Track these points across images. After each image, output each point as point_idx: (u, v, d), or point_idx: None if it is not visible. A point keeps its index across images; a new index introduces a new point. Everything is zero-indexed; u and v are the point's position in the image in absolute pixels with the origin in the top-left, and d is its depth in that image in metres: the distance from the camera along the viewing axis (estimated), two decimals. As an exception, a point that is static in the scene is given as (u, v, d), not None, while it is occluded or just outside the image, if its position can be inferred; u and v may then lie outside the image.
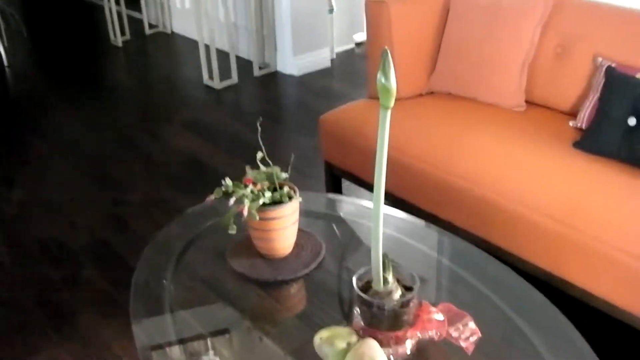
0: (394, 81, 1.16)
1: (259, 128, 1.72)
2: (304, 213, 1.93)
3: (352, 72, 5.05)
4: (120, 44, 5.93)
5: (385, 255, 1.36)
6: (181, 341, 1.53)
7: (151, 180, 3.52)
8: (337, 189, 3.07)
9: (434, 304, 1.47)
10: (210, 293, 1.73)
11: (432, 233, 1.93)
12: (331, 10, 5.05)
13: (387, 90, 1.16)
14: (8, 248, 2.97)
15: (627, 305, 2.02)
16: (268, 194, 1.68)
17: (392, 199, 2.69)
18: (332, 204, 2.20)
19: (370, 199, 2.07)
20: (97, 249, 2.93)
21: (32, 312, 2.54)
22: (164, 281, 1.74)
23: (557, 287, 2.18)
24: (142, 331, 1.56)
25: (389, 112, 1.19)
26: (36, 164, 3.77)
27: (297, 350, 1.49)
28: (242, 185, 1.70)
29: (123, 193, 3.40)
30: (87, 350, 2.34)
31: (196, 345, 1.53)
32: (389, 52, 1.14)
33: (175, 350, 1.51)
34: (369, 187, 2.79)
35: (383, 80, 1.15)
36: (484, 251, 1.81)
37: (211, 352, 1.50)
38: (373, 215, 1.29)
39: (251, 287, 1.72)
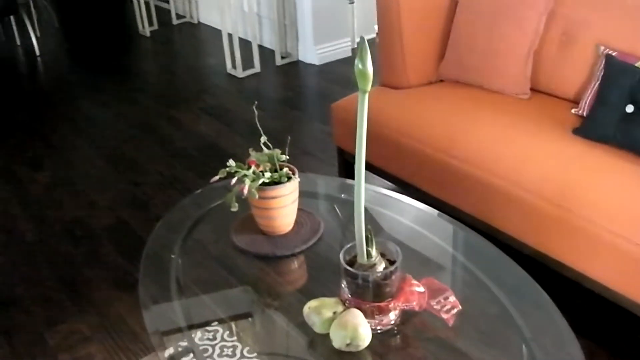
0: (371, 67, 1.25)
1: (256, 112, 1.82)
2: (309, 194, 2.02)
3: (372, 61, 5.11)
4: (148, 34, 6.07)
5: (368, 230, 1.45)
6: (186, 311, 1.64)
7: (170, 163, 3.65)
8: (350, 174, 3.16)
9: (418, 278, 1.55)
10: (215, 266, 1.83)
11: (428, 213, 2.01)
12: (352, 1, 5.12)
13: (364, 75, 1.25)
14: (33, 226, 3.12)
15: (618, 286, 2.08)
16: (268, 175, 1.78)
17: (398, 183, 2.78)
18: (338, 186, 2.29)
19: (380, 185, 2.16)
20: (116, 228, 3.07)
21: (53, 287, 2.69)
22: (172, 255, 1.85)
23: (552, 268, 2.25)
24: (149, 297, 1.67)
25: (366, 95, 1.28)
26: (62, 148, 3.92)
27: (293, 324, 1.58)
28: (245, 166, 1.80)
29: (143, 175, 3.53)
30: (104, 323, 2.46)
31: (201, 315, 1.63)
32: (365, 40, 1.23)
33: (180, 314, 1.61)
34: (379, 172, 2.88)
35: (360, 66, 1.24)
36: (482, 232, 1.89)
37: (213, 323, 1.59)
38: (355, 191, 1.39)
39: (254, 262, 1.82)
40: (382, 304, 1.48)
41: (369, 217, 1.97)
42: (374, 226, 1.92)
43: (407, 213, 2.03)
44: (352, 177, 3.10)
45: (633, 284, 2.04)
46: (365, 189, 2.17)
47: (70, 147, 3.94)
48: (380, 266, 1.47)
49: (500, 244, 1.84)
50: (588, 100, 2.51)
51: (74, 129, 4.19)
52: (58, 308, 2.56)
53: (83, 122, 4.29)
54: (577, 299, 2.42)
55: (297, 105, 4.40)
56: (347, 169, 3.14)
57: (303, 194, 1.89)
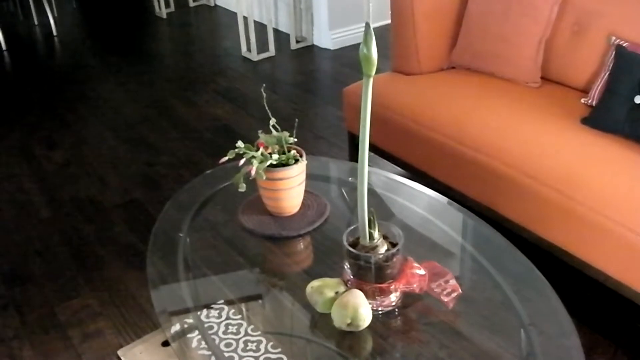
0: (375, 52, 1.27)
1: (264, 94, 1.84)
2: (317, 177, 2.05)
3: (387, 47, 5.12)
4: (164, 16, 6.10)
5: (371, 213, 1.48)
6: (193, 289, 1.67)
7: (184, 144, 3.69)
8: (359, 159, 3.18)
9: (420, 262, 1.58)
10: (223, 246, 1.87)
11: (434, 198, 2.03)
12: (368, -14, 5.13)
13: (368, 60, 1.28)
14: (47, 203, 3.18)
15: (621, 276, 2.10)
16: (275, 156, 1.81)
17: (407, 168, 2.80)
18: (346, 170, 2.32)
19: (391, 170, 2.18)
20: (128, 207, 3.12)
21: (66, 263, 2.74)
22: (181, 234, 1.88)
23: (557, 257, 2.27)
24: (157, 274, 1.70)
25: (371, 80, 1.30)
26: (77, 127, 3.98)
27: (298, 304, 1.61)
28: (254, 148, 1.83)
29: (156, 156, 3.58)
30: (115, 299, 2.51)
31: (207, 294, 1.66)
32: (370, 25, 1.25)
33: (186, 291, 1.65)
34: (389, 157, 2.90)
35: (365, 50, 1.27)
36: (488, 219, 1.91)
37: (220, 300, 1.63)
38: (358, 173, 1.42)
39: (260, 243, 1.85)
40: (383, 285, 1.50)
41: (380, 202, 2.00)
42: (384, 212, 1.95)
43: (417, 200, 2.05)
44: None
45: (636, 273, 2.05)
46: (377, 175, 2.21)
47: (85, 126, 3.99)
48: (382, 248, 1.50)
49: (505, 231, 1.86)
50: (597, 90, 2.51)
51: (90, 108, 4.24)
52: (69, 284, 2.61)
53: (98, 102, 4.34)
54: (581, 287, 2.43)
55: (310, 89, 4.42)
56: (357, 154, 3.16)
57: (312, 177, 1.93)
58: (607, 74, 2.47)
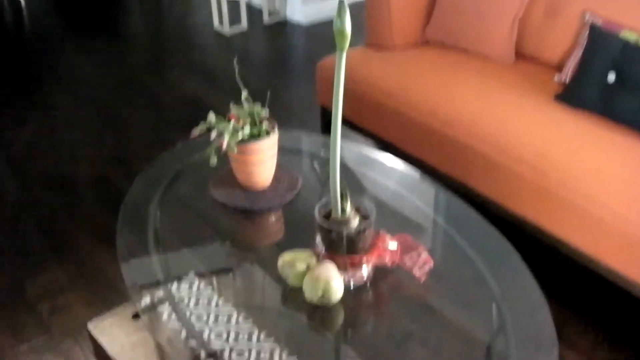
0: (349, 26, 1.27)
1: (236, 67, 1.82)
2: (289, 151, 2.04)
3: (361, 22, 5.10)
4: (135, -12, 6.01)
5: (343, 186, 1.47)
6: (164, 263, 1.65)
7: (155, 119, 3.65)
8: (332, 134, 3.17)
9: (392, 235, 1.58)
10: (193, 220, 1.85)
11: (408, 173, 2.03)
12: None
13: (342, 33, 1.27)
14: (16, 179, 3.13)
15: (592, 251, 2.12)
16: (247, 129, 1.79)
17: (380, 143, 2.79)
18: (318, 144, 2.30)
19: (363, 143, 2.18)
20: (98, 183, 3.08)
21: (34, 238, 2.70)
22: (150, 207, 1.86)
23: (529, 232, 2.28)
24: (127, 247, 1.69)
25: (344, 54, 1.29)
26: (46, 103, 3.90)
27: (268, 277, 1.60)
28: (226, 121, 1.81)
29: (127, 132, 3.53)
30: (83, 273, 2.49)
31: (178, 267, 1.65)
32: (345, 0, 1.25)
33: (157, 264, 1.63)
34: (362, 131, 2.89)
35: (339, 24, 1.26)
36: (461, 194, 1.91)
37: (192, 272, 1.61)
38: (331, 146, 1.40)
39: (231, 216, 1.84)
40: (355, 258, 1.50)
41: (351, 176, 1.99)
42: (356, 185, 1.94)
43: (389, 173, 2.04)
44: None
45: (607, 248, 2.07)
46: (349, 149, 2.20)
47: (54, 101, 3.92)
48: (354, 221, 1.49)
49: (477, 206, 1.86)
50: (571, 67, 2.52)
51: (59, 83, 4.16)
52: (38, 258, 2.58)
53: (68, 76, 4.26)
54: (552, 263, 2.46)
55: (283, 64, 4.39)
56: (329, 129, 3.14)
57: (283, 150, 1.91)
58: (581, 51, 2.48)
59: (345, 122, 2.95)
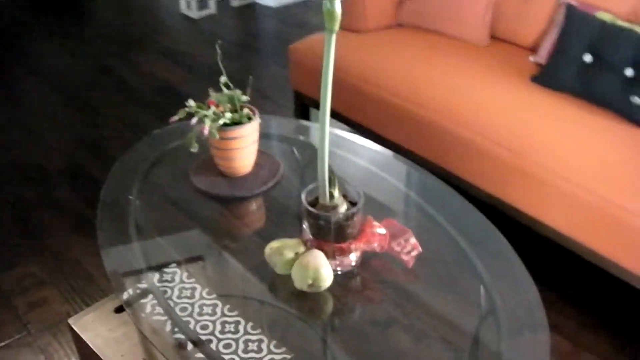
0: (339, 6, 1.24)
1: (219, 51, 1.78)
2: (268, 136, 2.01)
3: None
4: (99, -28, 5.89)
5: (331, 172, 1.45)
6: (145, 253, 1.62)
7: (126, 105, 3.58)
8: (306, 117, 3.15)
9: (379, 220, 1.56)
10: (173, 208, 1.82)
11: (388, 158, 2.01)
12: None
13: (331, 14, 1.24)
14: (-16, 168, 3.06)
15: (570, 231, 2.13)
16: (228, 115, 1.76)
17: (356, 127, 2.77)
18: (296, 128, 2.28)
19: (337, 127, 2.15)
20: (71, 171, 3.02)
21: (8, 230, 2.64)
22: (130, 197, 1.82)
23: (508, 214, 2.29)
24: (107, 239, 1.65)
25: (334, 36, 1.27)
26: (15, 90, 3.81)
27: (253, 266, 1.58)
28: (205, 107, 1.77)
29: (99, 118, 3.47)
30: (60, 266, 2.44)
31: (160, 257, 1.62)
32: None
33: (139, 255, 1.59)
34: (338, 117, 2.87)
35: (328, 5, 1.23)
36: (441, 178, 1.90)
37: (172, 265, 1.58)
38: (320, 131, 1.38)
39: (212, 204, 1.81)
40: (343, 245, 1.48)
41: (332, 162, 1.96)
42: (337, 171, 1.92)
43: (363, 154, 2.02)
44: (309, 121, 3.11)
45: (585, 228, 2.08)
46: (315, 129, 2.18)
47: (23, 89, 3.83)
48: (342, 207, 1.47)
49: (457, 189, 1.85)
50: (547, 48, 2.52)
51: (28, 70, 4.06)
52: (12, 251, 2.52)
53: (36, 62, 4.17)
54: (531, 244, 2.47)
55: (253, 47, 4.34)
56: (303, 113, 3.12)
57: (261, 136, 1.88)
58: (556, 32, 2.48)
59: (319, 106, 2.93)
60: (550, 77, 2.41)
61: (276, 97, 3.57)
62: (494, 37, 2.80)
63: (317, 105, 2.95)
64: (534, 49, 2.66)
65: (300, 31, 4.48)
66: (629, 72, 2.24)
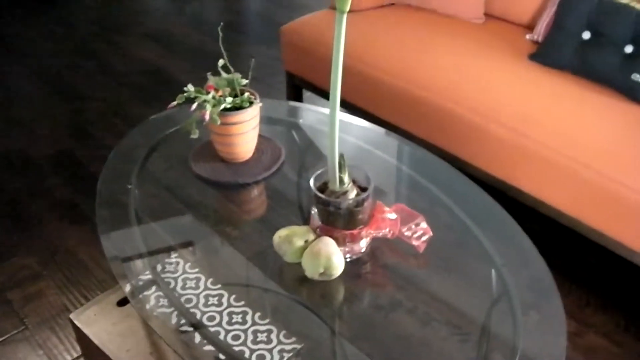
0: (350, -14, 1.19)
1: (220, 34, 1.72)
2: (265, 120, 1.96)
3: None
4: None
5: (341, 157, 1.41)
6: (146, 243, 1.58)
7: (112, 89, 3.51)
8: (298, 99, 3.10)
9: (389, 205, 1.53)
10: (173, 197, 1.77)
11: (392, 141, 1.98)
12: None
13: (343, -7, 1.19)
14: (-30, 158, 2.99)
15: (573, 211, 2.11)
16: (229, 99, 1.71)
17: (352, 109, 2.73)
18: (292, 111, 2.23)
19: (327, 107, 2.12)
20: (59, 158, 2.95)
21: (-2, 221, 2.59)
22: (129, 186, 1.77)
23: (510, 195, 2.26)
24: (108, 236, 1.60)
25: (344, 16, 1.22)
26: (-5, 74, 3.74)
27: (258, 254, 1.55)
28: (204, 92, 1.73)
29: (84, 103, 3.40)
30: (55, 257, 2.39)
31: (161, 246, 1.58)
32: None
33: (141, 246, 1.55)
34: (329, 95, 2.82)
35: (340, -16, 1.18)
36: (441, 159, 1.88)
37: (174, 254, 1.55)
38: (330, 116, 1.34)
39: (213, 191, 1.77)
40: (354, 231, 1.45)
41: (314, 140, 1.93)
42: (318, 150, 1.89)
43: (359, 134, 1.99)
44: (302, 102, 3.06)
45: (587, 207, 2.07)
46: (310, 111, 2.14)
47: (5, 74, 3.74)
48: (352, 193, 1.44)
49: (457, 169, 1.83)
50: (543, 26, 2.49)
51: (10, 53, 3.97)
52: (4, 243, 2.46)
53: (15, 46, 4.07)
54: (534, 224, 2.45)
55: (240, 29, 4.27)
56: (296, 95, 3.08)
57: (260, 120, 1.84)
58: (553, 9, 2.45)
59: (313, 87, 2.88)
60: (548, 55, 2.38)
61: (267, 79, 3.52)
62: (488, 15, 2.76)
63: (309, 86, 2.91)
64: (530, 27, 2.62)
65: (286, 11, 4.42)
66: (628, 48, 2.22)
